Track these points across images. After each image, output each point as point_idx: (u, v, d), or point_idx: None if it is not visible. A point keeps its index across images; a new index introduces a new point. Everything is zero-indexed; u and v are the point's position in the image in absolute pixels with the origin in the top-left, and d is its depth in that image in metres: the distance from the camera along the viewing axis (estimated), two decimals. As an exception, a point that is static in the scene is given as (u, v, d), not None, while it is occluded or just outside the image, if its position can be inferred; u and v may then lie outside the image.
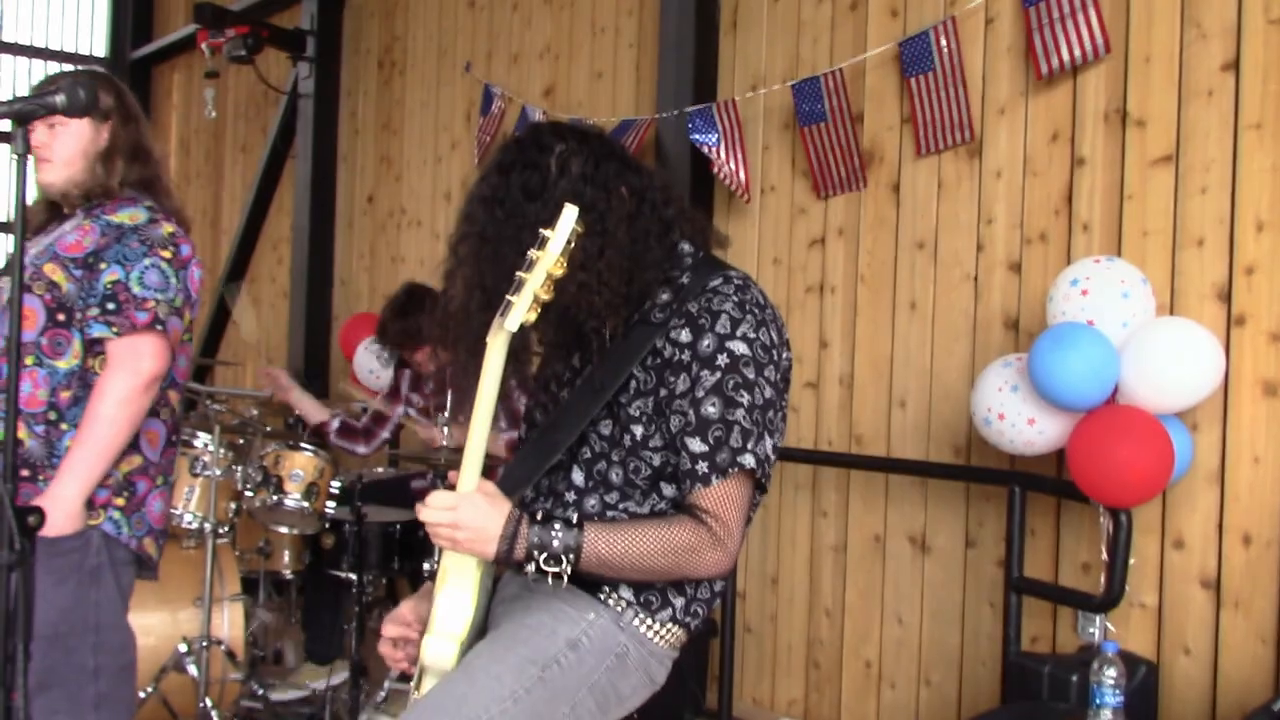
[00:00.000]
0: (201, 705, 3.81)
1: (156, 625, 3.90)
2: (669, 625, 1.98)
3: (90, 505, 2.59)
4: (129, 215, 2.66)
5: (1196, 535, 3.22)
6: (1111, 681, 2.69)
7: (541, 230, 1.75)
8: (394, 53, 6.51)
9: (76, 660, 2.61)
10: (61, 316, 2.59)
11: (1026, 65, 3.63)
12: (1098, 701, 2.70)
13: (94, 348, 2.61)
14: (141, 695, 3.77)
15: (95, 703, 2.68)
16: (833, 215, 4.20)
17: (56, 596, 2.50)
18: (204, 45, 6.78)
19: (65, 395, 2.60)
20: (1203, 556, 3.21)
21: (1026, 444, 3.19)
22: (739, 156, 4.30)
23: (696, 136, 4.32)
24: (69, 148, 2.68)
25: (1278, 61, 3.11)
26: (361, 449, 4.63)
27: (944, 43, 3.69)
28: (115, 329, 2.57)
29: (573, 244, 1.75)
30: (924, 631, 3.87)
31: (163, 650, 3.86)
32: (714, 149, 4.30)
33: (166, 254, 2.64)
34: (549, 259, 1.74)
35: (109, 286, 2.58)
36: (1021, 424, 3.16)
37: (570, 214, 1.75)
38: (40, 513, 2.13)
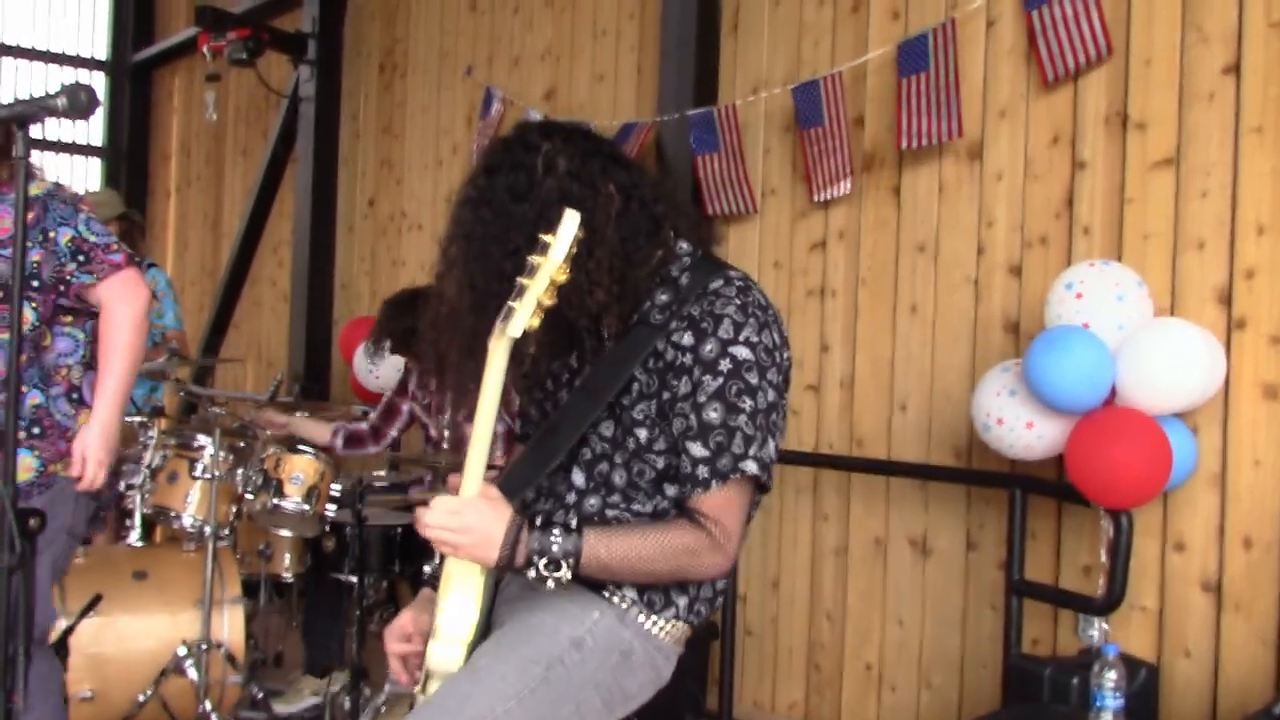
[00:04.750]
0: (201, 708, 3.81)
1: (156, 628, 3.90)
2: (673, 621, 1.98)
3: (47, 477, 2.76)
4: (36, 186, 2.81)
5: (1197, 538, 3.22)
6: (1112, 684, 2.69)
7: (542, 236, 1.75)
8: (395, 56, 6.52)
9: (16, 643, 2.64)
10: (0, 294, 2.72)
11: (1028, 68, 3.63)
12: (1098, 704, 2.70)
13: (58, 315, 2.85)
14: (141, 698, 3.78)
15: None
16: (833, 218, 4.20)
17: None
18: (205, 48, 6.77)
19: (21, 360, 2.68)
20: (1203, 559, 3.20)
21: (1026, 448, 3.19)
22: (740, 168, 4.32)
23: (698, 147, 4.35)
24: None
25: (1279, 65, 3.11)
26: (372, 448, 4.66)
27: (941, 44, 3.69)
28: (96, 275, 2.81)
29: (574, 249, 1.75)
30: (925, 634, 3.87)
31: (162, 653, 3.86)
32: (712, 158, 4.33)
33: (86, 207, 2.89)
34: (552, 265, 1.73)
35: (69, 245, 2.80)
36: (1020, 428, 3.16)
37: (572, 219, 1.75)
38: (41, 515, 2.13)
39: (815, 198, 4.14)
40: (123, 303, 2.84)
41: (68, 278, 2.80)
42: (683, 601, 1.98)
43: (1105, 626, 3.21)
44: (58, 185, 2.87)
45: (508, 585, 2.08)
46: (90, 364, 2.92)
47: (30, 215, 2.74)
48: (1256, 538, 3.11)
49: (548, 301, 1.75)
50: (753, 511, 1.97)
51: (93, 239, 2.83)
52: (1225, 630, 3.16)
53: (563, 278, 1.74)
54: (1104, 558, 3.15)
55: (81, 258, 2.80)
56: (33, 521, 2.07)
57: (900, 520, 3.96)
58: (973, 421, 3.32)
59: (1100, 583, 3.18)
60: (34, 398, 2.80)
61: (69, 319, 2.90)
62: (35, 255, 2.76)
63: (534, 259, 1.74)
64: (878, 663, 4.00)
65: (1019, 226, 3.66)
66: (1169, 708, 3.21)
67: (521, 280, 1.75)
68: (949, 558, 3.81)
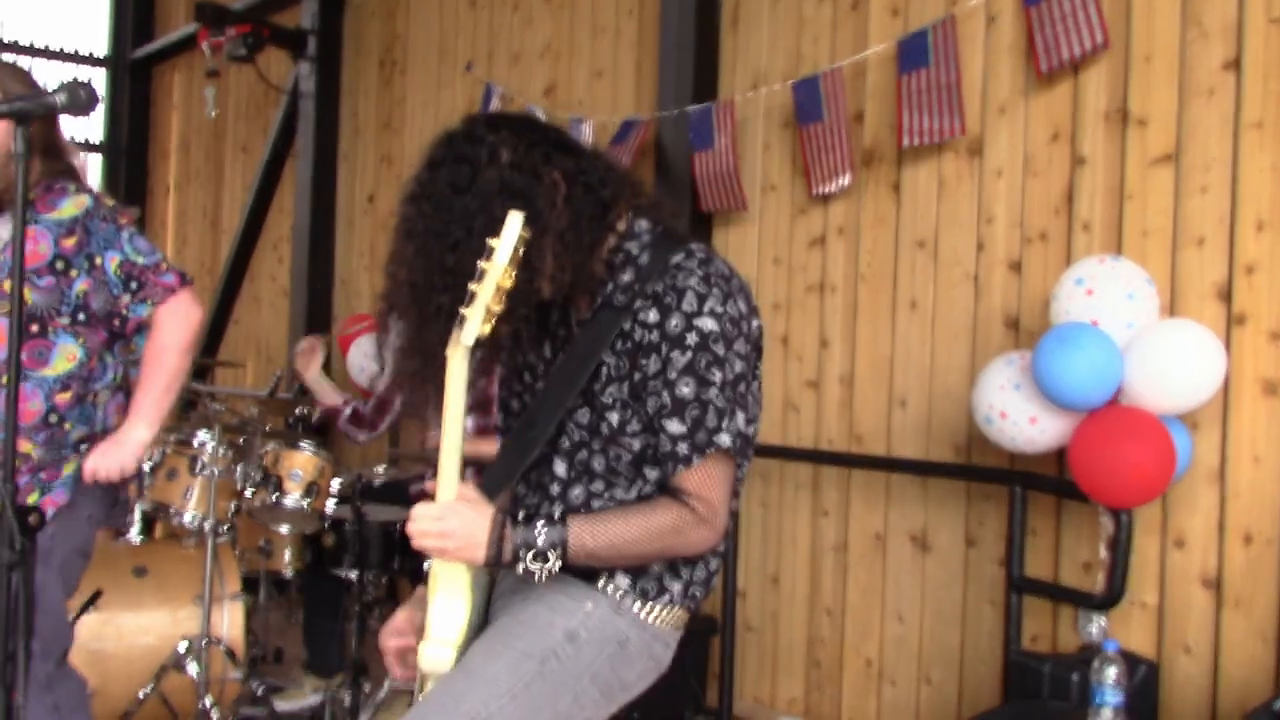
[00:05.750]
0: (201, 704, 3.81)
1: (156, 624, 3.90)
2: (669, 607, 1.97)
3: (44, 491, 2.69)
4: (74, 205, 2.68)
5: (1197, 534, 3.22)
6: (1112, 680, 2.69)
7: (488, 241, 1.74)
8: (395, 52, 6.51)
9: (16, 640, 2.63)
10: (35, 328, 2.61)
11: (1027, 64, 3.63)
12: (1098, 700, 2.70)
13: (113, 343, 2.76)
14: (141, 694, 3.78)
15: (48, 683, 2.69)
16: (833, 214, 4.20)
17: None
18: (205, 44, 6.77)
19: (64, 398, 2.66)
20: (1203, 555, 3.20)
21: (1028, 442, 3.18)
22: (732, 165, 4.31)
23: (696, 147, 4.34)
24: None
25: (1279, 60, 3.11)
26: (361, 437, 4.67)
27: (941, 41, 3.69)
28: (152, 301, 2.73)
29: (520, 251, 1.74)
30: (924, 630, 3.87)
31: (163, 649, 3.86)
32: (708, 154, 4.33)
33: (125, 220, 2.78)
34: (496, 271, 1.72)
35: (119, 272, 2.69)
36: (1024, 423, 3.15)
37: (515, 221, 1.73)
38: (40, 512, 2.14)
39: (815, 192, 4.13)
40: (174, 324, 2.76)
41: (123, 312, 2.72)
42: (676, 587, 1.97)
43: (1105, 623, 3.21)
44: (96, 201, 2.73)
45: (504, 579, 2.08)
46: (120, 386, 2.84)
47: (72, 240, 2.64)
48: (1256, 533, 3.11)
49: (496, 308, 1.75)
50: (738, 486, 1.96)
51: (141, 261, 2.72)
52: (1225, 626, 3.16)
53: (509, 283, 1.74)
54: (1104, 554, 3.15)
55: (134, 284, 2.71)
56: (32, 518, 2.07)
57: (900, 516, 3.96)
58: (973, 414, 3.31)
59: (1100, 579, 3.18)
60: (78, 432, 2.72)
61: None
62: (82, 284, 2.66)
63: (481, 264, 1.74)
64: (877, 659, 4.00)
65: (1019, 223, 3.66)
66: (1169, 704, 3.21)
67: (471, 287, 1.75)
68: (949, 554, 3.82)
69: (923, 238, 3.91)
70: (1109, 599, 3.12)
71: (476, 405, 4.09)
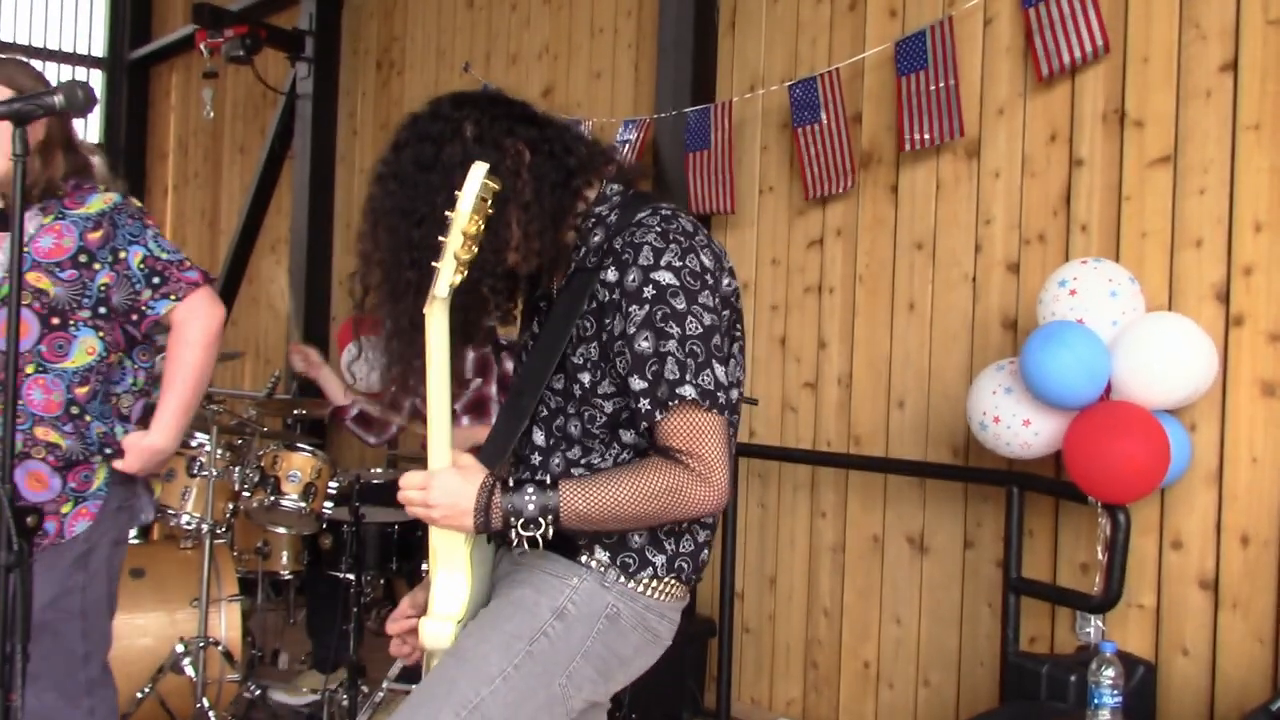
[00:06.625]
0: (199, 705, 3.81)
1: (153, 626, 3.90)
2: (655, 580, 1.94)
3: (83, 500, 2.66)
4: (101, 201, 2.70)
5: (1194, 535, 3.22)
6: (1109, 682, 2.69)
7: (456, 193, 1.75)
8: (392, 53, 6.51)
9: (66, 645, 2.63)
10: (55, 320, 2.62)
11: (1025, 66, 3.63)
12: (1096, 702, 2.70)
13: (132, 347, 2.75)
14: (139, 696, 3.77)
15: (87, 688, 2.69)
16: (831, 216, 4.20)
17: (43, 584, 2.50)
18: (202, 45, 6.77)
19: (83, 391, 2.66)
20: (1201, 557, 3.21)
21: (1023, 446, 3.19)
22: (725, 166, 4.31)
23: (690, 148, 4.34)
24: (6, 143, 2.61)
25: (1276, 62, 3.11)
26: (372, 439, 4.64)
27: (939, 42, 3.69)
28: (175, 296, 2.72)
29: (487, 200, 1.74)
30: (922, 632, 3.87)
31: (160, 651, 3.86)
32: (702, 155, 4.33)
33: (151, 220, 2.79)
34: (461, 218, 1.72)
35: (142, 267, 2.70)
36: (1017, 426, 3.16)
37: (478, 170, 1.74)
38: (39, 513, 2.14)
39: (810, 195, 4.13)
40: (197, 320, 2.74)
41: (143, 308, 2.70)
42: (660, 560, 1.93)
43: (1102, 624, 3.21)
44: (125, 199, 2.73)
45: (500, 561, 2.07)
46: (145, 392, 2.82)
47: (98, 234, 2.65)
48: (1254, 535, 3.11)
49: (465, 256, 1.74)
50: (730, 448, 1.93)
51: (165, 256, 2.72)
52: (1222, 628, 3.16)
53: (474, 229, 1.73)
54: (1101, 555, 3.15)
55: (157, 280, 2.70)
56: (30, 519, 2.07)
57: (898, 518, 3.97)
58: (969, 421, 3.32)
59: (1098, 580, 3.19)
60: (99, 427, 2.69)
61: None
62: (105, 277, 2.65)
63: (448, 214, 1.74)
64: (875, 660, 4.00)
65: (1017, 224, 3.66)
66: (1166, 705, 3.21)
67: (441, 239, 1.75)
68: (947, 555, 3.82)
69: (921, 239, 3.91)
70: (1107, 600, 3.12)
71: (473, 406, 4.09)
